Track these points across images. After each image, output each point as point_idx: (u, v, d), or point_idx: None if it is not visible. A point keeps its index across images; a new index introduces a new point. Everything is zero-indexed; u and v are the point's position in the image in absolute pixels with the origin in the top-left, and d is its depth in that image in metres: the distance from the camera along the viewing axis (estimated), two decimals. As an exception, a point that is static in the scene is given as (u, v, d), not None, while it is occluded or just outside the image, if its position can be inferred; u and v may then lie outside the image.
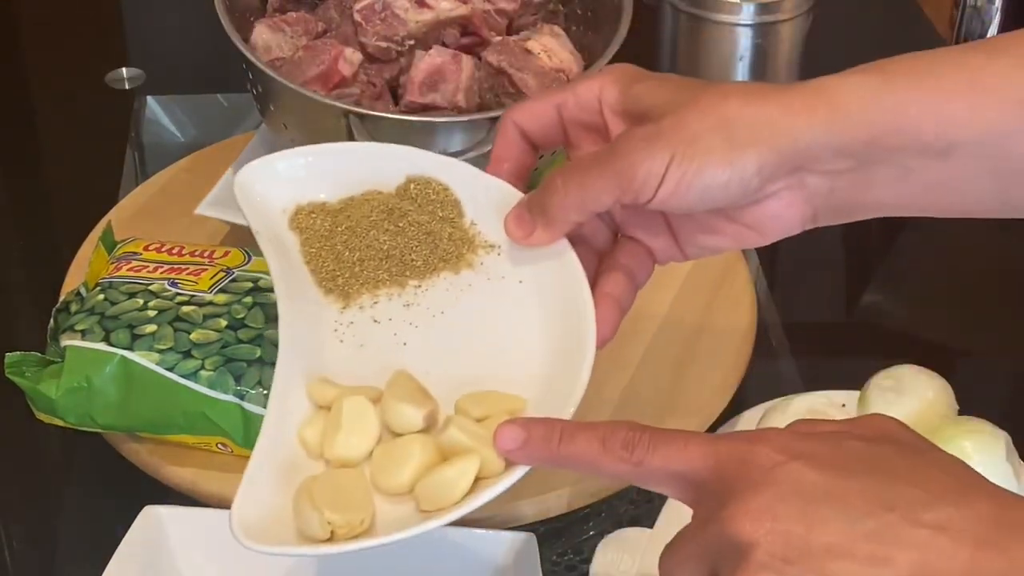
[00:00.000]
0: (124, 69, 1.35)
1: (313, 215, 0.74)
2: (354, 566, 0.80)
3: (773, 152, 0.64)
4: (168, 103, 1.32)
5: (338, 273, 0.72)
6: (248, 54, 0.94)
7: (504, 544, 0.79)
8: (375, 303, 0.71)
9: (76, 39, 1.43)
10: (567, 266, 0.70)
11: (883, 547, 0.52)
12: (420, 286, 0.72)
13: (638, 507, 0.90)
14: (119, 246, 0.95)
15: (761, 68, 1.16)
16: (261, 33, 0.99)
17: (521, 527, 0.82)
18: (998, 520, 0.53)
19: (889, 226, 1.15)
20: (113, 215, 1.07)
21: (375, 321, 0.71)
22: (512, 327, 0.70)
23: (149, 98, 1.32)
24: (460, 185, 0.74)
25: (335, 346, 0.70)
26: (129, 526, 0.78)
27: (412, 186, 0.74)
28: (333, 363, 0.69)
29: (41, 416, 0.87)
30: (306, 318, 0.70)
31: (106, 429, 0.87)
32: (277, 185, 0.74)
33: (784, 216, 0.68)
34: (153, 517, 0.80)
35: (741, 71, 1.16)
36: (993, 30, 1.36)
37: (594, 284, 0.70)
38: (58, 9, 1.46)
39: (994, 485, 0.56)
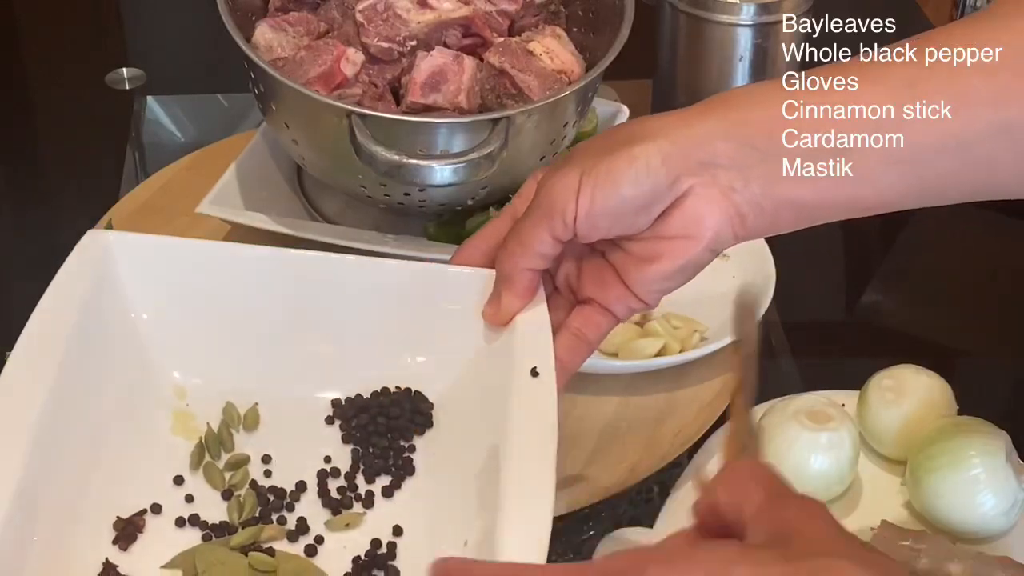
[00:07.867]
0: (124, 69, 1.35)
1: None
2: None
3: (671, 143, 0.66)
4: (168, 103, 1.32)
5: None
6: (250, 53, 0.94)
7: None
8: None
9: (76, 39, 1.44)
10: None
11: None
12: None
13: (638, 507, 0.90)
14: (120, 245, 0.95)
15: (761, 68, 1.16)
16: (263, 33, 0.99)
17: (522, 527, 0.82)
18: None
19: (889, 226, 1.15)
20: (114, 214, 1.07)
21: None
22: None
23: (149, 98, 1.32)
24: None
25: None
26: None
27: None
28: None
29: (43, 415, 0.87)
30: None
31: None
32: None
33: (708, 215, 0.68)
34: (98, 241, 0.78)
35: (741, 71, 1.16)
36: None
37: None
38: (58, 9, 1.46)
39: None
